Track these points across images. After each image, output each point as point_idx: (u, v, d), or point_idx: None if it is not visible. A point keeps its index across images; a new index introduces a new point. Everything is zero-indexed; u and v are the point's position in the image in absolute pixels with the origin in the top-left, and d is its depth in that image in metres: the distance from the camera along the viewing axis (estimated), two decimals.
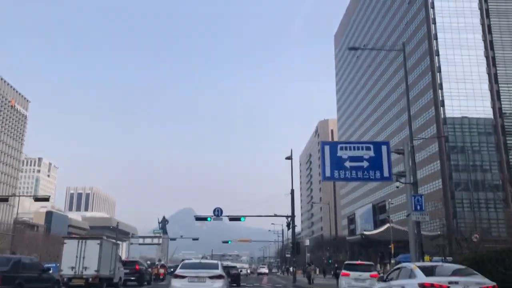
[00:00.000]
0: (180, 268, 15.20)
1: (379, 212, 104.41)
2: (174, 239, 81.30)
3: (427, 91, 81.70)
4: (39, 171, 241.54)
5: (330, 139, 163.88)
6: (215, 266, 15.45)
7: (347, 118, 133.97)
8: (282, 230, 73.05)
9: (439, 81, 79.78)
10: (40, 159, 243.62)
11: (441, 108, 78.65)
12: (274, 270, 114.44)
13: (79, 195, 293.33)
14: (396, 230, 66.11)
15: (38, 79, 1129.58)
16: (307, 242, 78.21)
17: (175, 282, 14.11)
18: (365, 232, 67.20)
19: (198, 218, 36.57)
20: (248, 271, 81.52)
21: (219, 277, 14.29)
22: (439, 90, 79.29)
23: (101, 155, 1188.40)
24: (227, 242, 67.35)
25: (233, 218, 36.82)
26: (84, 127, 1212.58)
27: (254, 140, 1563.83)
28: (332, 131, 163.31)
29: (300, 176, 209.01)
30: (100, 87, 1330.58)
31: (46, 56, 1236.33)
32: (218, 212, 35.54)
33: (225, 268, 35.74)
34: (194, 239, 71.94)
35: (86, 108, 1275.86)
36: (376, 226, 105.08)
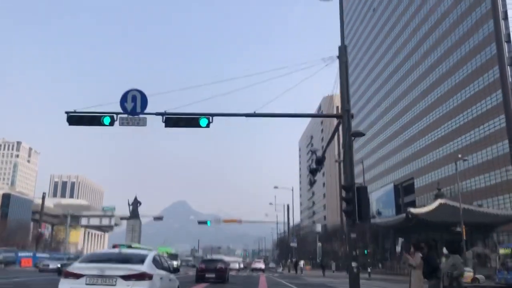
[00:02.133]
0: (80, 261, 8.75)
1: (403, 193, 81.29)
2: (124, 218, 58.93)
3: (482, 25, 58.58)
4: (17, 155, 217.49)
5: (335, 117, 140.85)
6: (138, 259, 8.64)
7: (358, 87, 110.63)
8: (287, 206, 49.67)
9: None
10: (19, 143, 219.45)
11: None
12: (271, 265, 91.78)
13: (64, 183, 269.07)
14: (451, 208, 43.48)
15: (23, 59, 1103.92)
16: (319, 228, 55.07)
17: (63, 284, 8.11)
18: (413, 210, 44.08)
19: (72, 119, 12.86)
20: (241, 265, 69.68)
21: (141, 276, 8.04)
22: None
23: (94, 146, 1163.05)
24: (205, 223, 45.69)
25: (175, 119, 13.28)
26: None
27: (253, 130, 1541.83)
28: (338, 108, 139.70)
29: (300, 162, 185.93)
30: (95, 75, 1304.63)
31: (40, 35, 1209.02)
32: (134, 106, 12.39)
33: (210, 261, 25.80)
34: (156, 218, 50.50)
35: (82, 98, 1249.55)
36: (399, 211, 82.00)
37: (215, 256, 50.78)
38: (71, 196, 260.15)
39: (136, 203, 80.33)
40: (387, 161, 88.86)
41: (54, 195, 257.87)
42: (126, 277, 8.03)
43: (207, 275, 23.34)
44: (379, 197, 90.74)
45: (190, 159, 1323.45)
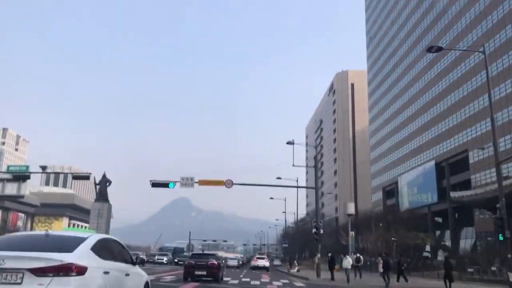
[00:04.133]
0: None
1: (451, 171, 61.49)
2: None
3: None
4: (3, 143, 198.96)
5: (350, 95, 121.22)
6: (68, 245, 5.72)
7: (378, 58, 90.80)
8: (315, 161, 29.66)
9: None
10: (4, 129, 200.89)
11: None
12: (276, 263, 72.54)
13: (56, 174, 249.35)
14: None
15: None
16: (351, 209, 35.46)
17: None
18: None
19: None
20: (240, 262, 62.22)
21: (64, 270, 5.22)
22: None
23: (95, 140, 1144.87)
24: (166, 185, 26.58)
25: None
26: (78, 109, 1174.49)
27: (256, 124, 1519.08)
28: (352, 85, 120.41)
29: (307, 151, 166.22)
30: (92, 69, 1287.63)
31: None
32: None
33: (200, 256, 22.24)
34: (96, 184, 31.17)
35: (80, 94, 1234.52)
36: (443, 195, 62.48)
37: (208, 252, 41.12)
38: (64, 186, 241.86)
39: (104, 182, 60.46)
40: (424, 134, 69.00)
41: (47, 185, 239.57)
42: (38, 271, 5.13)
43: (196, 272, 19.92)
44: (413, 180, 71.06)
45: (192, 156, 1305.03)
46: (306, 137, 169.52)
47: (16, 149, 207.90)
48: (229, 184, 25.24)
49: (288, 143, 33.27)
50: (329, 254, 23.57)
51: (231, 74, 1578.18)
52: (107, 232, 58.78)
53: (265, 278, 25.20)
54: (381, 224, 47.85)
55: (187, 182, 25.26)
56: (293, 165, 32.08)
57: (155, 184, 24.44)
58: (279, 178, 49.28)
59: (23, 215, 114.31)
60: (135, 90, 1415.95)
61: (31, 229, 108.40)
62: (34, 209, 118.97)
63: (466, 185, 55.68)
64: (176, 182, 25.22)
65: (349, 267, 22.20)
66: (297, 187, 37.71)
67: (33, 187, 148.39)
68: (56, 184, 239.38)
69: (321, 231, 30.09)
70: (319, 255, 25.40)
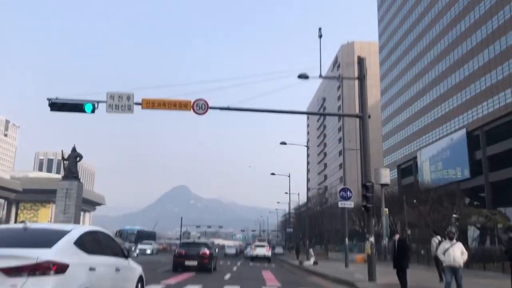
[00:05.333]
0: None
1: (487, 140, 50.48)
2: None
3: None
4: None
5: (356, 68, 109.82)
6: (48, 240, 5.01)
7: (392, 18, 79.23)
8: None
9: None
10: None
11: None
12: (278, 251, 61.30)
13: (50, 161, 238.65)
14: None
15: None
16: (386, 177, 24.03)
17: None
18: None
19: None
20: (238, 250, 59.21)
21: (41, 269, 4.49)
22: None
23: (91, 127, 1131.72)
24: (77, 108, 14.74)
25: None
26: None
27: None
28: (359, 57, 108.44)
29: (308, 133, 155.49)
30: (90, 56, 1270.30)
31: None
32: None
33: (191, 245, 20.59)
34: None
35: (83, 82, 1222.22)
36: (477, 169, 51.79)
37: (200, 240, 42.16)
38: (58, 174, 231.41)
39: (74, 158, 49.26)
40: (452, 98, 57.93)
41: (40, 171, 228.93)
42: (10, 271, 4.47)
43: (187, 263, 18.68)
44: (437, 154, 60.15)
45: (192, 144, 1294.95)
46: (307, 117, 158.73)
47: (6, 135, 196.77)
48: (200, 108, 13.69)
49: (300, 76, 22.87)
50: (396, 237, 11.26)
51: (224, 54, 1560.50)
52: (76, 215, 47.48)
53: (272, 283, 14.36)
54: (415, 201, 37.39)
55: (120, 103, 13.35)
56: (320, 76, 21.24)
57: (55, 106, 12.64)
58: (283, 143, 38.76)
59: (2, 201, 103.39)
60: (133, 71, 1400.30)
61: (16, 216, 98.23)
62: (15, 195, 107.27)
63: (508, 155, 45.06)
64: (98, 102, 13.45)
65: (462, 263, 10.47)
66: (315, 114, 26.99)
67: (17, 172, 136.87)
68: (49, 170, 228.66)
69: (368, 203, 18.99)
70: (372, 239, 13.42)
